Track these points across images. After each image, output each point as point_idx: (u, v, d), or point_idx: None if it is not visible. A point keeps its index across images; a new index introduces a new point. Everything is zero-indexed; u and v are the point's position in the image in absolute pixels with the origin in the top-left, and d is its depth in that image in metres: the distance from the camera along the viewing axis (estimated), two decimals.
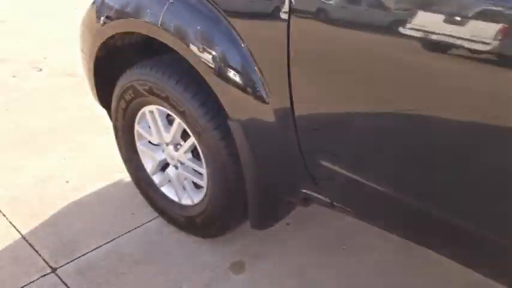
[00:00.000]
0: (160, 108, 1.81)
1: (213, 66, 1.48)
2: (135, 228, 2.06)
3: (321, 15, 1.21)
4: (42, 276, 1.81)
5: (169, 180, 2.00)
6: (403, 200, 1.23)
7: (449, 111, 1.07)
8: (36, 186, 2.33)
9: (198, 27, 1.50)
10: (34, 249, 1.94)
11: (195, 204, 1.90)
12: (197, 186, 1.91)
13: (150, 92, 1.75)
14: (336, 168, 1.35)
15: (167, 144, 1.89)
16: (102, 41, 1.87)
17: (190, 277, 1.81)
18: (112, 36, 1.85)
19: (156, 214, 2.12)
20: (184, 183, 1.92)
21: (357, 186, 1.32)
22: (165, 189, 2.03)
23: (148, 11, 1.61)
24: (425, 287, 1.78)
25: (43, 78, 3.66)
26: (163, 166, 2.02)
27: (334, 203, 1.49)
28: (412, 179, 1.21)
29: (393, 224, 1.37)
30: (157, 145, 1.98)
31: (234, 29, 1.42)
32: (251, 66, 1.41)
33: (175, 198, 1.99)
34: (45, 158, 2.57)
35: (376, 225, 1.45)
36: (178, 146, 1.87)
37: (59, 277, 1.80)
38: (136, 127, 1.97)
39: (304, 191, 1.55)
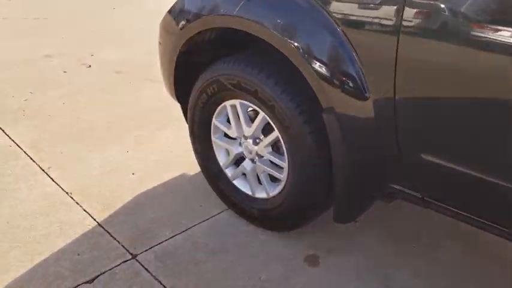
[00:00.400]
0: (244, 102, 1.86)
1: (311, 59, 1.53)
2: (206, 220, 2.11)
3: (433, 15, 1.27)
4: (123, 262, 1.86)
5: (243, 174, 2.05)
6: None
7: None
8: (103, 177, 2.39)
9: (297, 19, 1.56)
10: (112, 236, 1.99)
11: (271, 198, 1.94)
12: (273, 179, 1.96)
13: (237, 86, 1.80)
14: (440, 161, 1.38)
15: (246, 138, 1.94)
16: (188, 38, 1.93)
17: (268, 268, 1.85)
18: (198, 33, 1.91)
19: (224, 206, 2.17)
20: (261, 176, 1.96)
21: (462, 178, 1.36)
22: (237, 183, 2.08)
23: (243, 5, 1.67)
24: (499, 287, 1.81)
25: (93, 74, 3.74)
26: (237, 160, 2.06)
27: (426, 198, 1.53)
28: None
29: (495, 216, 1.40)
30: (233, 139, 2.03)
31: (336, 22, 1.47)
32: (352, 60, 1.46)
33: (249, 192, 2.04)
34: (108, 150, 2.63)
35: (470, 222, 1.48)
36: (258, 140, 1.92)
37: (140, 263, 1.85)
38: (214, 121, 2.02)
39: (393, 185, 1.59)
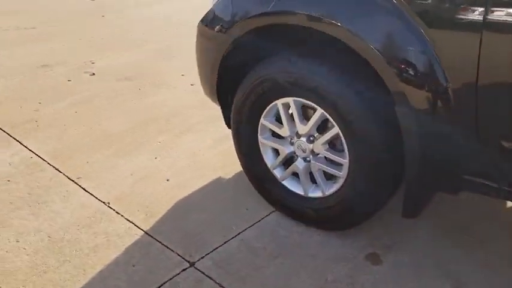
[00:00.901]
0: (298, 99, 1.81)
1: (383, 52, 1.51)
2: (256, 223, 2.05)
3: None
4: (183, 271, 1.78)
5: (293, 173, 2.00)
6: None
7: None
8: (138, 185, 2.30)
9: (368, 12, 1.54)
10: (163, 244, 1.91)
11: (326, 196, 1.90)
12: (327, 177, 1.92)
13: (294, 83, 1.76)
14: None
15: (299, 137, 1.90)
16: (233, 39, 1.91)
17: (331, 268, 1.81)
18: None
19: (270, 208, 2.11)
20: (316, 175, 1.91)
21: None
22: (287, 183, 2.03)
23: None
24: None
25: (99, 81, 3.62)
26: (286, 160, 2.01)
27: (503, 188, 1.52)
28: None
29: None
30: (283, 138, 1.98)
31: (409, 13, 1.45)
32: (430, 52, 1.44)
33: (301, 192, 1.99)
34: (135, 157, 2.54)
35: None
36: (312, 138, 1.88)
37: (200, 271, 1.78)
38: (262, 120, 1.97)
39: (467, 177, 1.57)
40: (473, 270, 1.80)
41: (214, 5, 2.04)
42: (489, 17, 1.32)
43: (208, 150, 2.62)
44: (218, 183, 2.34)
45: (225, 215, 2.09)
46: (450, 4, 1.40)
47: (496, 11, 1.32)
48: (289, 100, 1.85)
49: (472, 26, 1.35)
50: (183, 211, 2.12)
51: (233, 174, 2.39)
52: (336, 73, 1.67)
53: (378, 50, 1.51)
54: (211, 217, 2.08)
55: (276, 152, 2.04)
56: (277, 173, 2.04)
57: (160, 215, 2.08)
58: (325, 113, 1.76)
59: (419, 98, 1.50)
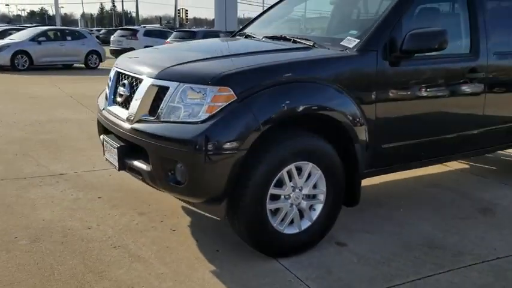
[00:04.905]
0: (299, 163, 2.64)
1: (348, 117, 2.75)
2: (286, 270, 2.61)
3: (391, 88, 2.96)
4: None
5: (291, 221, 2.72)
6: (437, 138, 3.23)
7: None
8: None
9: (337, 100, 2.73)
10: None
11: (314, 221, 2.80)
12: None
13: (303, 152, 2.62)
14: (397, 144, 3.07)
15: (294, 190, 2.68)
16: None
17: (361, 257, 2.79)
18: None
19: (271, 258, 2.70)
20: (306, 210, 2.74)
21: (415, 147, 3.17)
22: (288, 230, 2.71)
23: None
24: None
25: None
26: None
27: (389, 167, 3.14)
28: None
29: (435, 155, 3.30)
30: (279, 198, 2.66)
31: (352, 98, 2.79)
32: (361, 114, 2.83)
33: (296, 230, 2.75)
34: None
35: (421, 164, 3.32)
36: (301, 187, 2.71)
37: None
38: (272, 190, 2.58)
39: (368, 170, 3.05)
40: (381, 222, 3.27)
41: (210, 125, 2.40)
42: (378, 98, 2.91)
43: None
44: (216, 274, 2.55)
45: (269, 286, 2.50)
46: (365, 92, 2.86)
47: (382, 98, 2.92)
48: (291, 166, 2.62)
49: (371, 101, 2.89)
50: None
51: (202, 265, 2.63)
52: (324, 139, 2.71)
53: (349, 119, 2.75)
54: None
55: (277, 211, 2.67)
56: (280, 227, 2.68)
57: None
58: (314, 165, 2.70)
59: (361, 136, 2.85)
